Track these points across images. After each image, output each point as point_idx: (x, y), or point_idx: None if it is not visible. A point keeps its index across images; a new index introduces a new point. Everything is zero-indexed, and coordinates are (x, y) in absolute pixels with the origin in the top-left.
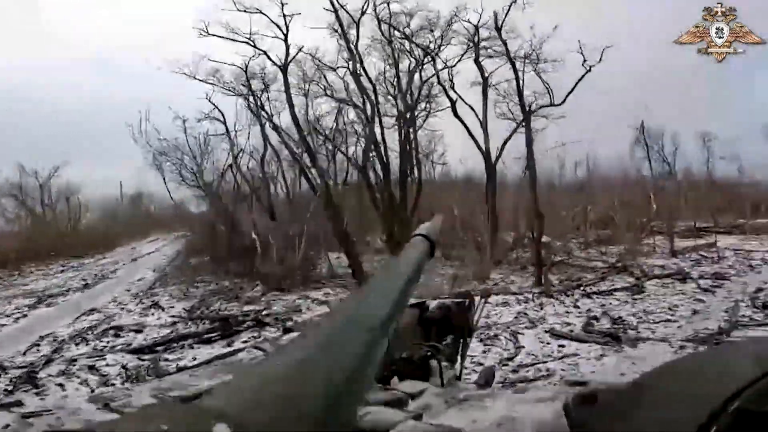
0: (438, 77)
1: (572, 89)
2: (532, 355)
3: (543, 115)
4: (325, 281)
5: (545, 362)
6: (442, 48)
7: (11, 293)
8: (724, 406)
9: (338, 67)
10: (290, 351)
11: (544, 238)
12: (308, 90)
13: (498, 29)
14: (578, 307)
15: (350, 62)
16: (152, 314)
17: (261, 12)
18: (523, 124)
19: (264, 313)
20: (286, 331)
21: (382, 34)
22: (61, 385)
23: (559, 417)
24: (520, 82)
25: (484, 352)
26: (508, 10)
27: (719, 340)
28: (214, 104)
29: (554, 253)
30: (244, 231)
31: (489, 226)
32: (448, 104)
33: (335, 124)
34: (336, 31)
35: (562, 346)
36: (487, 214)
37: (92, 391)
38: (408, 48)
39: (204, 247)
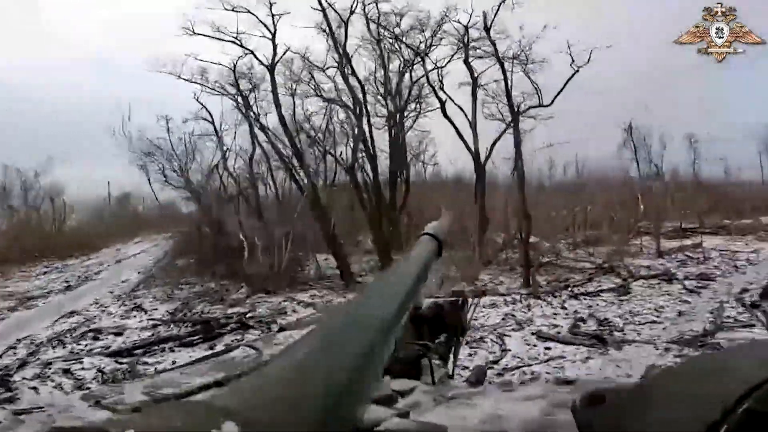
0: (427, 78)
1: (561, 90)
2: (518, 357)
3: (531, 115)
4: (313, 283)
5: (530, 365)
6: (432, 48)
7: None
8: (734, 406)
9: (328, 67)
10: (297, 350)
11: (533, 239)
12: (295, 90)
13: (487, 29)
14: (565, 308)
15: (339, 62)
16: (134, 317)
17: (249, 11)
18: (512, 124)
19: (248, 315)
20: (281, 329)
21: (371, 34)
22: (34, 388)
23: (545, 414)
24: (509, 82)
25: (470, 355)
26: (497, 10)
27: (704, 342)
28: (202, 104)
29: (543, 253)
30: (231, 232)
31: (478, 227)
32: (438, 105)
33: (326, 125)
34: (324, 30)
35: (548, 348)
36: (476, 215)
37: (66, 395)
38: (398, 48)
39: (190, 249)
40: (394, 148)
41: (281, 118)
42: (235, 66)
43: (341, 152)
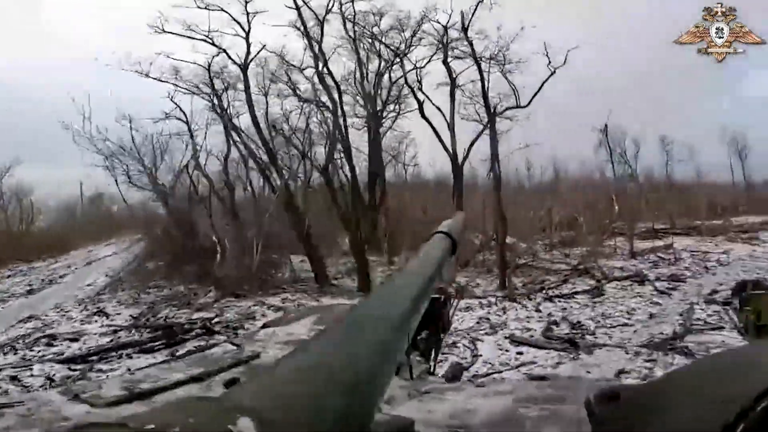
0: (405, 78)
1: (537, 91)
2: (489, 363)
3: (508, 116)
4: (286, 286)
5: (500, 371)
6: (411, 49)
7: None
8: (752, 405)
9: (305, 68)
10: (311, 348)
11: (511, 240)
12: (268, 89)
13: (464, 29)
14: (540, 311)
15: (315, 61)
16: (95, 322)
17: (222, 9)
18: (488, 125)
19: (215, 320)
20: (264, 326)
21: (347, 33)
22: None
23: (510, 409)
24: (485, 83)
25: (440, 361)
26: (474, 10)
27: (673, 345)
28: (176, 103)
29: (519, 255)
30: (202, 234)
31: None
32: (417, 105)
33: (305, 125)
34: (298, 29)
35: (521, 353)
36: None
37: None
38: (377, 48)
39: (160, 251)
40: (373, 148)
41: (254, 118)
42: (209, 65)
43: (315, 152)
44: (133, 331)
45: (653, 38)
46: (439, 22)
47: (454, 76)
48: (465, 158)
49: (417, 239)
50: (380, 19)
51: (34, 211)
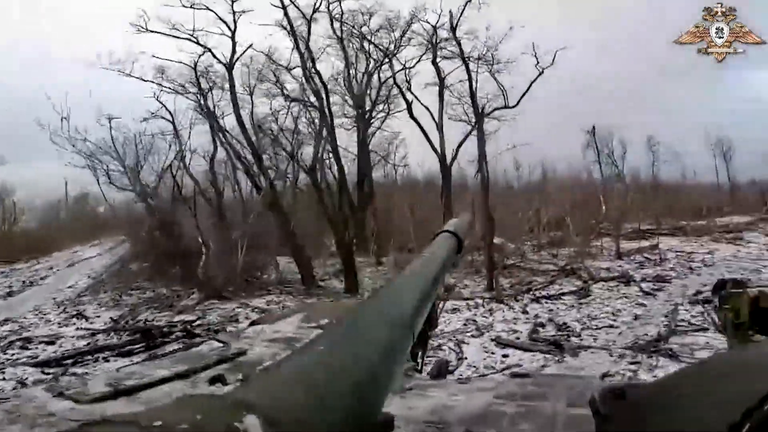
0: (394, 78)
1: (525, 91)
2: (474, 366)
3: (496, 117)
4: (272, 288)
5: (485, 375)
6: (400, 49)
7: None
8: (758, 405)
9: (294, 67)
10: (318, 345)
11: (499, 241)
12: (253, 89)
13: (453, 29)
14: (527, 312)
15: (301, 61)
16: (73, 324)
17: (208, 8)
18: (476, 126)
19: (196, 323)
20: (252, 323)
21: (335, 33)
22: None
23: (489, 405)
24: (473, 83)
25: (425, 364)
26: (463, 9)
27: (657, 347)
28: (162, 103)
29: (507, 255)
30: (187, 235)
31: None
32: (406, 106)
33: (294, 125)
34: (285, 28)
35: (506, 356)
36: (442, 217)
37: None
38: (366, 48)
39: (144, 252)
40: (362, 149)
41: (238, 117)
42: (195, 64)
43: (303, 153)
44: (111, 335)
45: (648, 38)
46: (429, 22)
47: (443, 76)
48: (453, 159)
49: (405, 240)
50: (369, 19)
51: (17, 212)
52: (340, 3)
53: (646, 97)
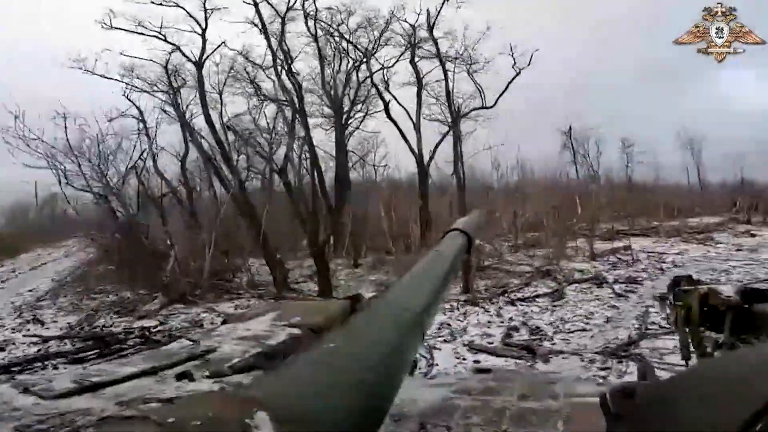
0: (371, 78)
1: (503, 92)
2: (445, 373)
3: (472, 117)
4: (243, 291)
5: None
6: (379, 48)
7: None
8: None
9: (269, 67)
10: (328, 343)
11: (476, 242)
12: (223, 87)
13: (430, 28)
14: (501, 315)
15: (273, 59)
16: (27, 330)
17: (177, 5)
18: (452, 125)
19: (156, 328)
20: (224, 322)
21: (309, 31)
22: None
23: (445, 399)
24: (449, 83)
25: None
26: (440, 8)
27: (627, 350)
28: (132, 101)
29: (484, 256)
30: (152, 236)
31: (419, 230)
32: (383, 106)
33: (273, 125)
34: (256, 25)
35: (477, 361)
36: (417, 217)
37: None
38: (344, 47)
39: (109, 254)
40: (339, 149)
41: (207, 117)
42: (167, 62)
43: (276, 152)
44: (65, 341)
45: (641, 38)
46: (407, 21)
47: (421, 76)
48: (430, 159)
49: (382, 241)
50: (348, 18)
51: None
52: (314, 1)
53: (622, 97)
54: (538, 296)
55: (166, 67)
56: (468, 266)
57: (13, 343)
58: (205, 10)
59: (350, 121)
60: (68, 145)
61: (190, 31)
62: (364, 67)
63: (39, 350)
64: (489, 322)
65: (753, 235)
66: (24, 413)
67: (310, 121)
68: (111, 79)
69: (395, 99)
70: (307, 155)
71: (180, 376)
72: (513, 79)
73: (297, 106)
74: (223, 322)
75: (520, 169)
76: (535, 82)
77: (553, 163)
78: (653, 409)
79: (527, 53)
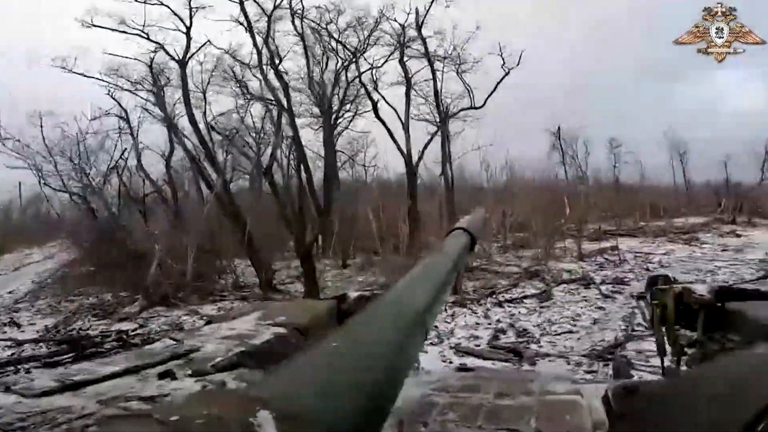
0: (360, 77)
1: (491, 92)
2: (426, 371)
3: (460, 117)
4: (228, 293)
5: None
6: (368, 47)
7: None
8: None
9: (255, 66)
10: (331, 342)
11: None
12: (207, 86)
13: (418, 27)
14: (488, 317)
15: (258, 58)
16: (4, 332)
17: (161, 3)
18: (440, 126)
19: (135, 332)
20: (208, 322)
21: (295, 29)
22: None
23: (424, 397)
24: (437, 83)
25: None
26: (429, 7)
27: (613, 353)
28: (116, 100)
29: (472, 258)
30: (134, 237)
31: (408, 230)
32: (378, 105)
33: (261, 125)
34: (241, 23)
35: (464, 364)
36: (405, 218)
37: None
38: (333, 47)
39: (90, 256)
40: (328, 149)
41: (191, 116)
42: (152, 61)
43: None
44: (41, 345)
45: (641, 39)
46: (397, 21)
47: (410, 75)
48: (419, 159)
49: (370, 242)
50: (338, 17)
51: None
52: (301, 0)
53: (618, 97)
54: (525, 297)
55: (150, 66)
56: None
57: None
58: (190, 9)
59: (339, 120)
60: (45, 145)
61: (174, 30)
62: (353, 66)
63: (13, 354)
64: (476, 323)
65: (738, 236)
66: (5, 411)
67: (299, 121)
68: (92, 77)
69: (384, 99)
70: (295, 155)
71: (162, 375)
72: (502, 79)
73: (284, 105)
74: (208, 322)
75: (509, 169)
76: (531, 82)
77: (543, 164)
78: (656, 407)
79: (520, 53)
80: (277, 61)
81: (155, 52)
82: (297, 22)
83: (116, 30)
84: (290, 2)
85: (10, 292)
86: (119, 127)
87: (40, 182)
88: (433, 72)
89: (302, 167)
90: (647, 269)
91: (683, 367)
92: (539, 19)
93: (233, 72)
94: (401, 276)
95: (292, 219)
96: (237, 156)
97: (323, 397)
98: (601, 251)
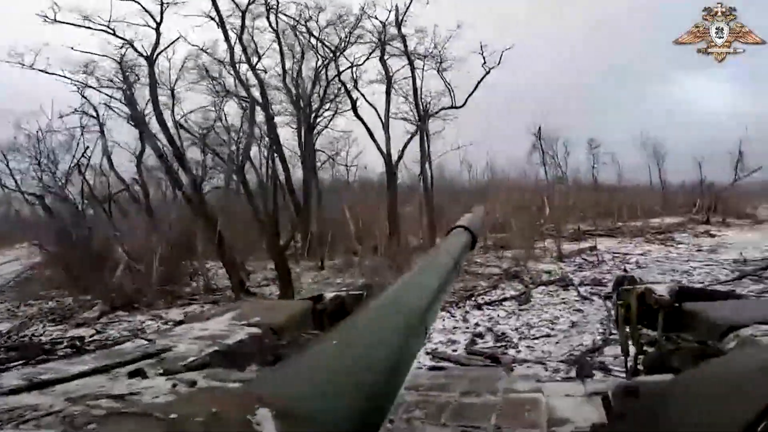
0: (339, 76)
1: (472, 91)
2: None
3: (440, 117)
4: (199, 296)
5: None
6: (349, 45)
7: None
8: None
9: (238, 62)
10: (331, 340)
11: None
12: (175, 83)
13: (398, 24)
14: (467, 320)
15: (230, 54)
16: None
17: None
18: (419, 124)
19: (93, 338)
20: (180, 322)
21: (270, 25)
22: None
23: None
24: (416, 80)
25: None
26: (409, 5)
27: (591, 358)
28: (86, 98)
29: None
30: (99, 239)
31: (387, 230)
32: (358, 104)
33: (241, 123)
34: (213, 19)
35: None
36: (384, 219)
37: None
38: (313, 44)
39: (54, 258)
40: (307, 148)
41: (158, 114)
42: (122, 57)
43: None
44: None
45: (641, 38)
46: (377, 18)
47: (391, 74)
48: (399, 158)
49: (350, 243)
50: (318, 14)
51: None
52: None
53: (590, 98)
54: (505, 299)
55: (121, 63)
56: None
57: None
58: (161, 4)
59: (319, 119)
60: None
61: (144, 26)
62: (334, 64)
63: None
64: (454, 327)
65: (712, 236)
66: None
67: (278, 119)
68: (54, 74)
69: (364, 97)
70: (272, 154)
71: (132, 374)
72: (482, 78)
73: (259, 102)
74: (179, 323)
75: (489, 170)
76: (522, 82)
77: (524, 164)
78: (656, 408)
79: (501, 53)
80: (255, 59)
81: (122, 47)
82: (273, 18)
83: (80, 26)
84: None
85: None
86: (81, 126)
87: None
88: (413, 70)
89: (281, 166)
90: (625, 270)
91: (640, 367)
92: (538, 19)
93: (205, 69)
94: (379, 277)
95: (265, 219)
96: (214, 155)
97: (322, 395)
98: (581, 251)
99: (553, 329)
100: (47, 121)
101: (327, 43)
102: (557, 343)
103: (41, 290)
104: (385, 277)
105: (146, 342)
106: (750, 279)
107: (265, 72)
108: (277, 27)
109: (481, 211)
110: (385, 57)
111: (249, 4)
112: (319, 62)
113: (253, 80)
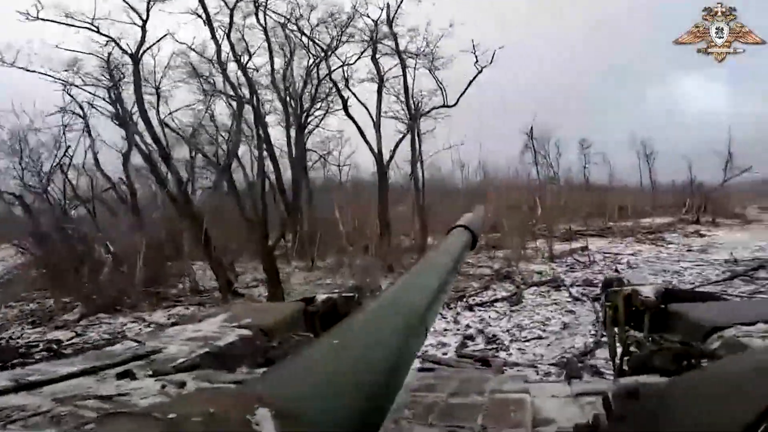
0: (330, 74)
1: (464, 90)
2: None
3: (433, 116)
4: (185, 298)
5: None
6: (340, 44)
7: None
8: None
9: (228, 61)
10: (331, 339)
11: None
12: (160, 81)
13: (389, 22)
14: (458, 322)
15: (217, 52)
16: None
17: None
18: (410, 123)
19: (72, 341)
20: (174, 324)
21: (258, 22)
22: None
23: None
24: (407, 79)
25: None
26: (401, 2)
27: (583, 361)
28: (72, 97)
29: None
30: (82, 239)
31: (378, 231)
32: (350, 103)
33: (232, 123)
34: (200, 16)
35: (432, 370)
36: (375, 219)
37: None
38: (304, 43)
39: (36, 259)
40: (298, 147)
41: (143, 113)
42: (109, 56)
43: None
44: None
45: (641, 38)
46: (370, 17)
47: (383, 73)
48: (390, 158)
49: (338, 242)
50: (309, 13)
51: None
52: None
53: (589, 98)
54: (496, 300)
55: (108, 61)
56: None
57: None
58: (148, 1)
59: (310, 119)
60: None
61: (130, 23)
62: (325, 63)
63: None
64: (445, 329)
65: (702, 235)
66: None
67: (270, 118)
68: (34, 72)
69: (355, 96)
70: (262, 153)
71: (121, 375)
72: (474, 77)
73: (248, 100)
74: (172, 325)
75: (481, 169)
76: (517, 81)
77: (517, 164)
78: (656, 410)
79: (493, 52)
80: (246, 57)
81: (106, 45)
82: (262, 15)
83: (63, 23)
84: None
85: None
86: (63, 124)
87: None
88: (404, 68)
89: (272, 166)
90: (616, 270)
91: (625, 368)
92: (538, 18)
93: (193, 67)
94: (370, 277)
95: (253, 219)
96: (201, 155)
97: (322, 395)
98: (572, 251)
99: (544, 331)
100: (27, 121)
101: (318, 42)
102: (549, 345)
103: (23, 292)
104: (375, 277)
105: (136, 344)
106: (741, 279)
107: (257, 71)
108: (265, 24)
109: (482, 210)
110: (377, 56)
111: (237, 1)
112: (310, 61)
113: (242, 79)
